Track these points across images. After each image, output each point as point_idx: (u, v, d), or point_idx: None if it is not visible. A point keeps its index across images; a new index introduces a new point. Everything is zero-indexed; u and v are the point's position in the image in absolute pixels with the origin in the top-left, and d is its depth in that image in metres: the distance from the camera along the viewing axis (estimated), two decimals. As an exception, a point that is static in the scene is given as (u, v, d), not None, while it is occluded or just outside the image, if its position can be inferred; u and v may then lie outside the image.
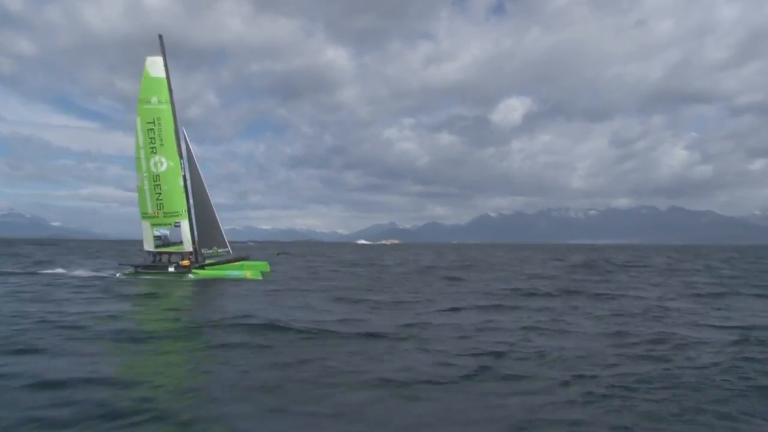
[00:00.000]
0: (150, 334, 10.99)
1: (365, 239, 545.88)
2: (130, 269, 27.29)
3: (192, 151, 27.37)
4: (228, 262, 27.55)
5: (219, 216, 28.06)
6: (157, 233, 27.10)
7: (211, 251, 27.67)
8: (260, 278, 27.16)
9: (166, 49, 27.20)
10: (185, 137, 27.28)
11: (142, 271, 26.86)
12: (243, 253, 32.39)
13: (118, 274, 26.61)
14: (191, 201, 27.40)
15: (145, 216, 27.11)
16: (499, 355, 9.34)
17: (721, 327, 12.59)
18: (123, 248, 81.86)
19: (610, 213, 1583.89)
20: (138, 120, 26.76)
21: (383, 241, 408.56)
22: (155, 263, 27.22)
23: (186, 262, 26.62)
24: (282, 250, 36.82)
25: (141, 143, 26.79)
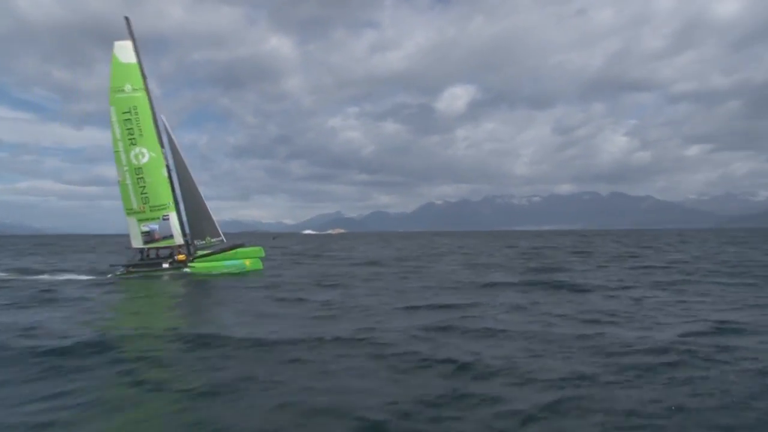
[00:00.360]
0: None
1: (311, 229, 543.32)
2: (121, 269, 25.53)
3: (174, 138, 25.71)
4: (222, 251, 26.30)
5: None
6: (144, 228, 25.44)
7: (204, 242, 26.20)
8: (261, 267, 26.59)
9: (134, 33, 25.44)
10: (165, 124, 25.62)
11: (134, 270, 25.21)
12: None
13: (109, 275, 24.98)
14: (178, 191, 25.89)
15: (130, 212, 25.43)
16: (464, 368, 7.96)
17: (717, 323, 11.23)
18: (69, 244, 78.48)
19: (554, 199, 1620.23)
20: (112, 110, 24.96)
21: (329, 231, 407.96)
22: (144, 260, 25.60)
23: (182, 257, 25.27)
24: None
25: (118, 135, 25.03)
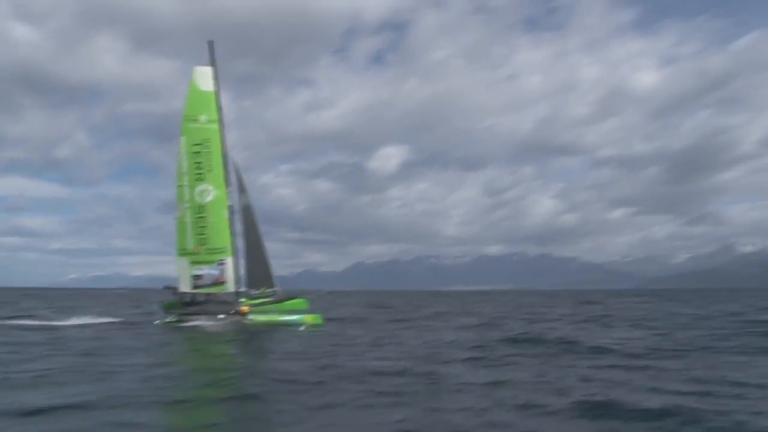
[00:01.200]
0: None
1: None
2: (171, 316, 23.63)
3: (242, 177, 24.37)
4: (273, 302, 24.60)
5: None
6: (197, 272, 23.65)
7: (258, 292, 24.48)
8: (322, 322, 24.88)
9: (215, 60, 24.32)
10: (235, 163, 24.29)
11: (185, 316, 23.34)
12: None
13: (157, 321, 23.03)
14: (239, 235, 24.41)
15: (183, 252, 23.75)
16: None
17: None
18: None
19: (483, 260, 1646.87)
20: (183, 141, 23.59)
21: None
22: (195, 306, 23.76)
23: (245, 308, 23.40)
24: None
25: (185, 169, 23.61)
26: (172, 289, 25.15)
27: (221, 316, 23.43)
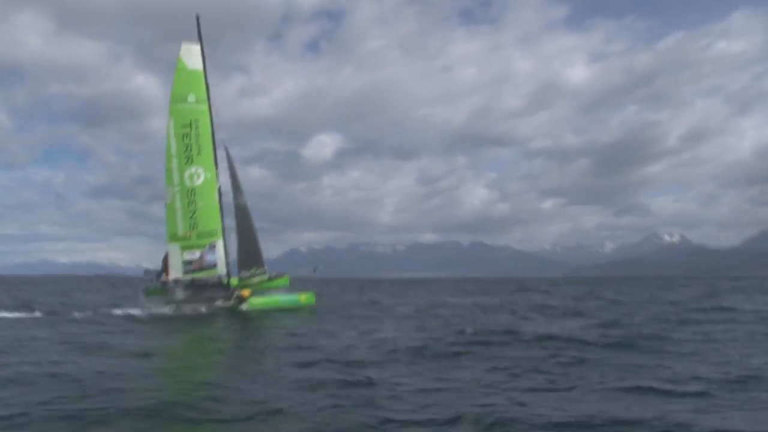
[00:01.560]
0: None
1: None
2: (173, 304, 22.72)
3: (232, 157, 23.56)
4: (262, 282, 24.40)
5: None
6: (188, 257, 22.81)
7: (249, 273, 23.85)
8: (314, 302, 25.38)
9: (202, 36, 23.35)
10: (224, 143, 23.53)
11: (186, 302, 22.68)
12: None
13: (141, 310, 22.06)
14: (224, 218, 23.77)
15: (174, 238, 22.94)
16: None
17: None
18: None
19: (417, 248, 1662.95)
20: (170, 123, 22.67)
21: (143, 275, 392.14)
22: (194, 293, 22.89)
23: (246, 291, 22.79)
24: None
25: (174, 151, 22.71)
26: (152, 274, 24.24)
27: (219, 301, 22.81)
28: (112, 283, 78.82)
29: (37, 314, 21.06)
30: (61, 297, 35.75)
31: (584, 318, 20.97)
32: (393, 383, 9.19)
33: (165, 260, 23.72)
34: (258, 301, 23.45)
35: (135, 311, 22.37)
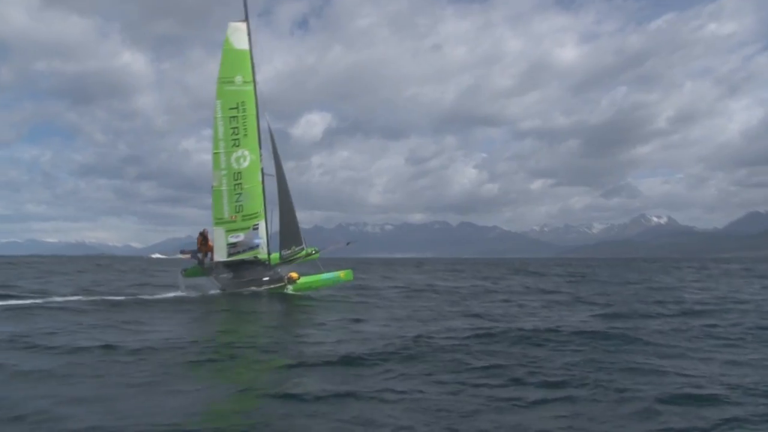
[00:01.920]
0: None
1: (161, 253, 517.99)
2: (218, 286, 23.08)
3: (275, 138, 23.79)
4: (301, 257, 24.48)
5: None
6: (232, 240, 23.01)
7: (289, 252, 24.04)
8: (352, 278, 25.47)
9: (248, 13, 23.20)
10: (268, 123, 23.64)
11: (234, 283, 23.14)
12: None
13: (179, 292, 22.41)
14: (266, 199, 23.98)
15: (219, 222, 22.88)
16: None
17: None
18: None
19: (406, 228, 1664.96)
20: (218, 105, 22.48)
21: (179, 255, 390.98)
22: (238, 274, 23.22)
23: (295, 275, 23.09)
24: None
25: (221, 134, 22.57)
26: (190, 254, 24.36)
27: (266, 278, 23.18)
28: (112, 264, 78.48)
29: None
30: (87, 280, 35.91)
31: (588, 306, 19.84)
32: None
33: (200, 239, 23.86)
34: (303, 281, 23.66)
35: (177, 292, 22.65)
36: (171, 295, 22.12)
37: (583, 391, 7.85)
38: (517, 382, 8.40)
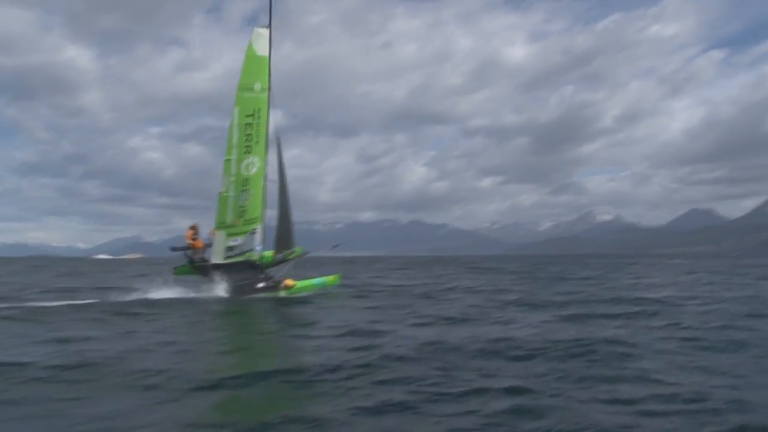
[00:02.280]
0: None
1: (107, 253, 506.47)
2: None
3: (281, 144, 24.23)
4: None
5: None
6: (232, 243, 23.06)
7: (281, 255, 24.29)
8: (338, 283, 26.21)
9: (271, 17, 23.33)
10: (276, 128, 23.94)
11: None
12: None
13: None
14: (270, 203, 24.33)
15: (222, 226, 22.88)
16: None
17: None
18: None
19: (355, 226, 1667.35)
20: (236, 112, 22.51)
21: (125, 256, 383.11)
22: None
23: (291, 282, 23.16)
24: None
25: (235, 141, 22.61)
26: (181, 251, 23.86)
27: (260, 285, 23.23)
28: (50, 266, 75.76)
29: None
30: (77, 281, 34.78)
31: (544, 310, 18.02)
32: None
33: (190, 233, 23.55)
34: (300, 285, 23.89)
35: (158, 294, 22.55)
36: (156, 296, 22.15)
37: (548, 401, 7.40)
38: (477, 392, 7.76)
